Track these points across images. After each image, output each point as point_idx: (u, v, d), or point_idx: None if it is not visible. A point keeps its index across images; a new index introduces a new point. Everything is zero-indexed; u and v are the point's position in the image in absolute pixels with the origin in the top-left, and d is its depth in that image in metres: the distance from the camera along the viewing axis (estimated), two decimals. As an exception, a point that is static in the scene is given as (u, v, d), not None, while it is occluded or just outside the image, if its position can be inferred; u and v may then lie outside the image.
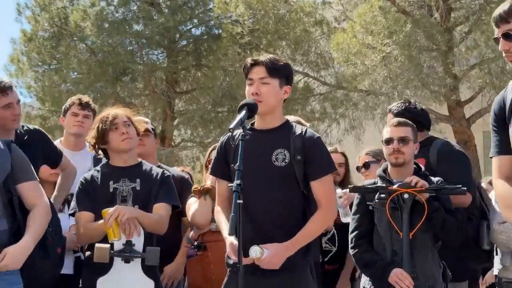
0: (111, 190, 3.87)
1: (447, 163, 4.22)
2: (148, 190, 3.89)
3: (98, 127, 3.96)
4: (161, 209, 3.87)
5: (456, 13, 13.40)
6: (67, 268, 4.02)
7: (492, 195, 4.20)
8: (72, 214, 3.98)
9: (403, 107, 4.50)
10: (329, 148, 5.26)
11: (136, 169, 3.97)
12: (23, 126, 4.20)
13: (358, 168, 5.13)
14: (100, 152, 4.05)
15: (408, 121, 4.15)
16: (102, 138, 3.96)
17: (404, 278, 3.72)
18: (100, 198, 3.87)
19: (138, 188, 3.88)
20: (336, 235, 4.98)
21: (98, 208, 3.76)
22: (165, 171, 4.07)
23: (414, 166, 4.01)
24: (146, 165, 4.04)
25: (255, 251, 3.18)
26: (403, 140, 3.97)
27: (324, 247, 4.98)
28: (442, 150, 4.32)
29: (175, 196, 4.00)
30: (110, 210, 3.68)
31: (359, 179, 5.23)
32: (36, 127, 4.36)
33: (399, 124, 4.07)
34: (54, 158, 4.33)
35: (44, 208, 3.49)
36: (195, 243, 4.53)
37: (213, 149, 4.66)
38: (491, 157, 3.00)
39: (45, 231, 3.54)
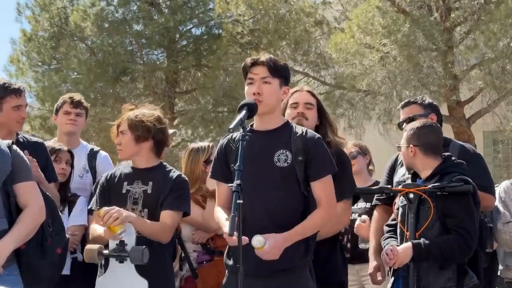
0: (123, 191, 3.85)
1: (469, 166, 3.97)
2: (158, 194, 3.82)
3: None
4: (167, 217, 3.76)
5: (455, 13, 13.39)
6: (65, 269, 4.00)
7: (496, 194, 4.17)
8: (90, 210, 4.05)
9: (427, 99, 4.36)
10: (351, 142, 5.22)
11: (152, 171, 3.89)
12: (26, 138, 4.28)
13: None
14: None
15: None
16: None
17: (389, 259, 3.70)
18: (113, 198, 3.86)
19: (149, 191, 3.83)
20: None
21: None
22: (182, 175, 3.96)
23: (443, 155, 3.86)
24: (165, 168, 3.94)
25: (258, 240, 3.16)
26: None
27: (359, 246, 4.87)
28: (462, 153, 4.12)
29: (185, 202, 3.88)
30: (104, 209, 3.61)
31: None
32: (40, 140, 4.44)
33: None
34: (46, 175, 4.17)
35: (35, 209, 3.41)
36: (202, 247, 4.50)
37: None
38: None
39: (45, 232, 3.52)
